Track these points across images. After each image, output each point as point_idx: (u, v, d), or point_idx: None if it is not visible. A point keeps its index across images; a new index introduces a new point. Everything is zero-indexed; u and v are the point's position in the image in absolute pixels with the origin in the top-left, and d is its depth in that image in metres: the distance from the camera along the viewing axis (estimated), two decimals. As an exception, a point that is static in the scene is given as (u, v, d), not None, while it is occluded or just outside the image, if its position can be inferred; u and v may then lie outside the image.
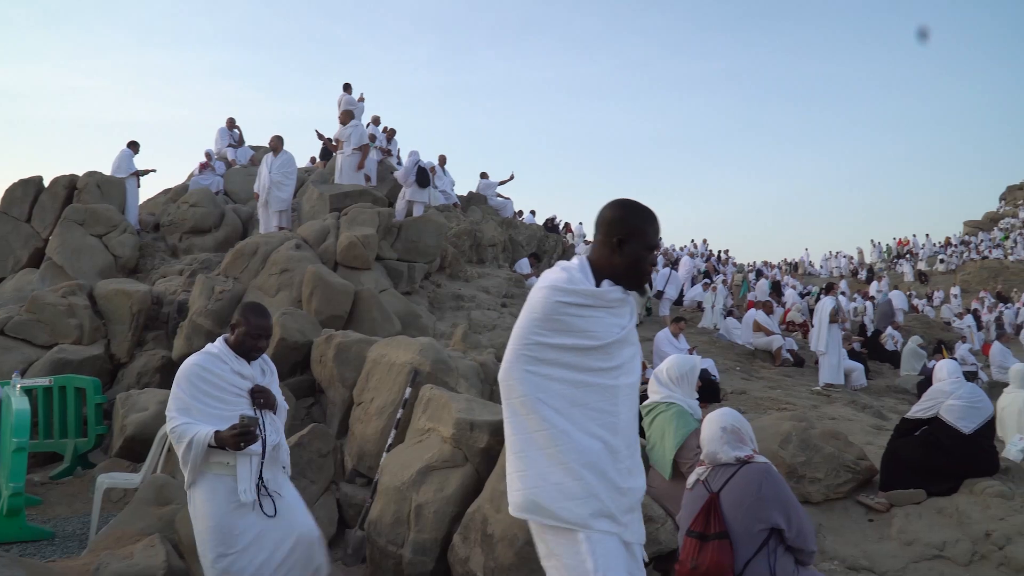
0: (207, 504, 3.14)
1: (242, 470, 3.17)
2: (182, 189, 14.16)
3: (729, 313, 16.02)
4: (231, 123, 16.85)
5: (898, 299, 22.58)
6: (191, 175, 15.27)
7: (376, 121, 16.53)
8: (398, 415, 5.33)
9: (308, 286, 8.25)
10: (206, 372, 3.24)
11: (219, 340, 3.42)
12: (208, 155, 15.35)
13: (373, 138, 14.65)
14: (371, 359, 6.18)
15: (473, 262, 13.18)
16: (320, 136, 14.38)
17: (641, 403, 4.33)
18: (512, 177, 18.17)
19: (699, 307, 17.34)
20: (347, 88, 15.64)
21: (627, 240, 2.20)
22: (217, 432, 3.07)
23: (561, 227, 27.65)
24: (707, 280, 19.18)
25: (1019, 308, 26.39)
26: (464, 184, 21.77)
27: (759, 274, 30.61)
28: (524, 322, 2.19)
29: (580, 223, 29.49)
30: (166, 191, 15.02)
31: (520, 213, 21.08)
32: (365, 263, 9.57)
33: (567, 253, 18.16)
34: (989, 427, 5.30)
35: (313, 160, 17.69)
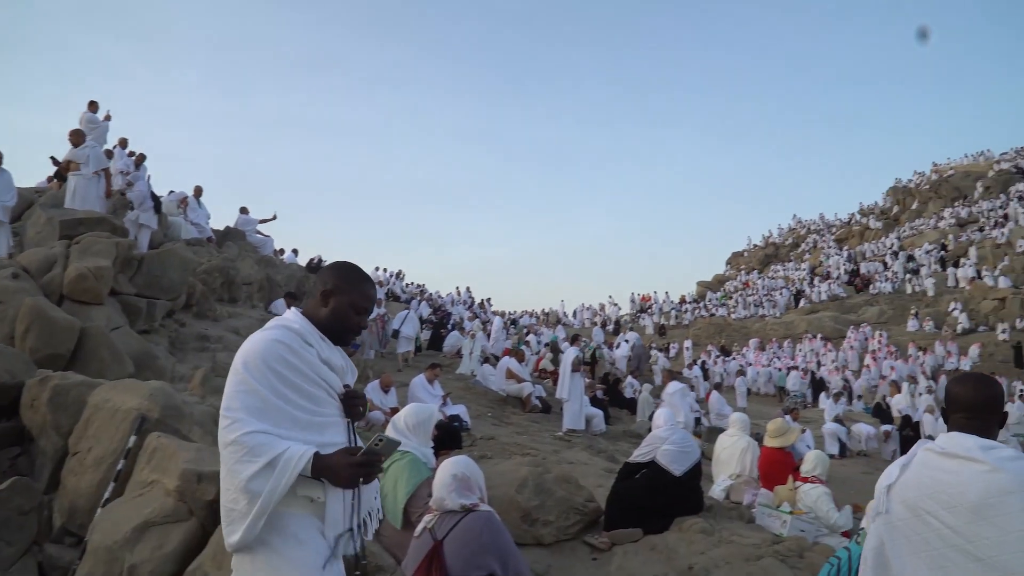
0: (291, 566, 2.07)
1: (334, 507, 2.15)
2: None
3: (486, 360, 16.53)
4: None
5: (623, 350, 24.47)
6: None
7: (123, 144, 15.33)
8: (119, 466, 4.89)
9: (24, 321, 7.38)
10: (292, 355, 2.14)
11: (292, 311, 2.34)
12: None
13: (109, 154, 13.55)
14: (92, 404, 5.64)
15: (224, 301, 12.53)
16: (55, 162, 13.12)
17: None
18: (275, 217, 17.67)
19: (458, 353, 17.72)
20: (92, 106, 14.38)
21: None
22: (318, 454, 2.06)
23: (325, 268, 27.15)
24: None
25: (735, 360, 29.64)
26: (222, 218, 20.75)
27: (513, 322, 31.90)
28: None
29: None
30: None
31: (281, 251, 20.45)
32: (96, 297, 8.75)
33: (328, 295, 17.83)
34: (697, 469, 5.92)
35: (50, 180, 16.01)
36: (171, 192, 15.90)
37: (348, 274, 2.35)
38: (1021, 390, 24.78)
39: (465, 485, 3.19)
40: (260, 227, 17.36)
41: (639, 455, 5.83)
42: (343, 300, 2.29)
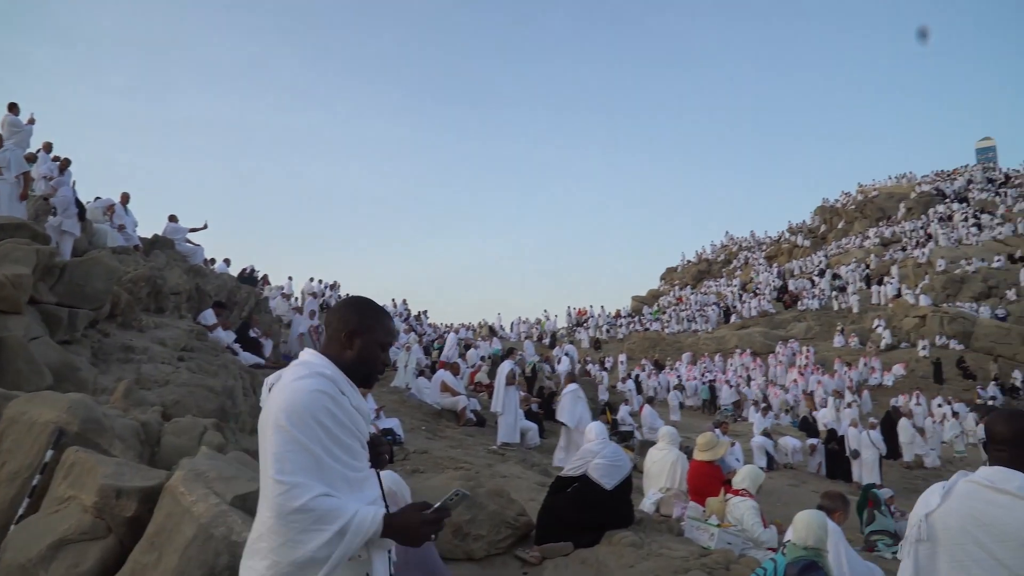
0: None
1: (379, 565, 2.03)
2: None
3: (421, 373, 16.45)
4: None
5: (565, 364, 24.65)
6: None
7: (47, 148, 14.82)
8: (34, 481, 4.71)
9: (-66, 330, 7.06)
10: (335, 406, 2.00)
11: (312, 354, 2.17)
12: None
13: (32, 158, 13.10)
14: (7, 417, 5.41)
15: (151, 311, 12.16)
16: None
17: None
18: (206, 226, 17.26)
19: (392, 366, 17.59)
20: (12, 108, 13.85)
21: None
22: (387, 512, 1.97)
23: (259, 279, 26.66)
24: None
25: (668, 375, 30.12)
26: (151, 226, 20.21)
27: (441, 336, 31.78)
28: None
29: (290, 278, 28.69)
30: None
31: (212, 261, 20.00)
32: (14, 306, 8.40)
33: (260, 306, 17.49)
34: (628, 483, 5.99)
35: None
36: (97, 198, 15.42)
37: (369, 310, 2.26)
38: (947, 407, 25.82)
39: (392, 500, 3.16)
40: (190, 236, 16.93)
41: (571, 469, 5.88)
42: (369, 339, 2.19)
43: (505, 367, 12.29)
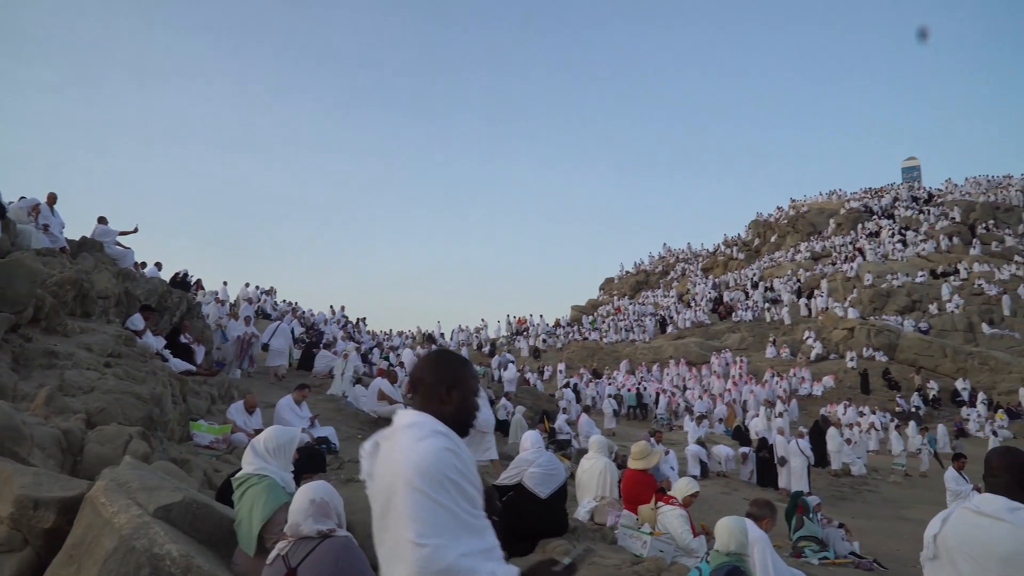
0: None
1: None
2: None
3: (358, 381, 16.27)
4: None
5: (512, 371, 24.78)
6: None
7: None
8: (-55, 493, 4.51)
9: None
10: (460, 463, 2.04)
11: (419, 414, 2.18)
12: None
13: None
14: (-83, 425, 5.18)
15: (77, 315, 11.76)
16: None
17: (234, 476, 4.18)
18: (136, 229, 16.79)
19: (330, 374, 17.35)
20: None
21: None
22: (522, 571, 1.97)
23: (193, 283, 26.04)
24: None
25: (606, 383, 30.41)
26: (79, 228, 19.56)
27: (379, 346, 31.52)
28: None
29: (225, 283, 28.05)
30: None
31: (142, 265, 19.44)
32: (-71, 309, 8.06)
33: (192, 311, 17.06)
34: (562, 491, 6.03)
35: None
36: (22, 198, 14.83)
37: (459, 362, 2.32)
38: (874, 416, 26.65)
39: (323, 511, 3.13)
40: (120, 239, 16.43)
41: (506, 478, 5.89)
42: (464, 389, 2.24)
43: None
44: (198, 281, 26.95)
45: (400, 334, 39.76)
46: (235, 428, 9.67)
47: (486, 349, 41.45)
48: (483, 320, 48.12)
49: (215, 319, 21.51)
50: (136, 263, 17.63)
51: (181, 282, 23.34)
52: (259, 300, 29.14)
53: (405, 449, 2.02)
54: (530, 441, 6.04)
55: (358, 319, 37.45)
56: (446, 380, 2.22)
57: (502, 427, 17.00)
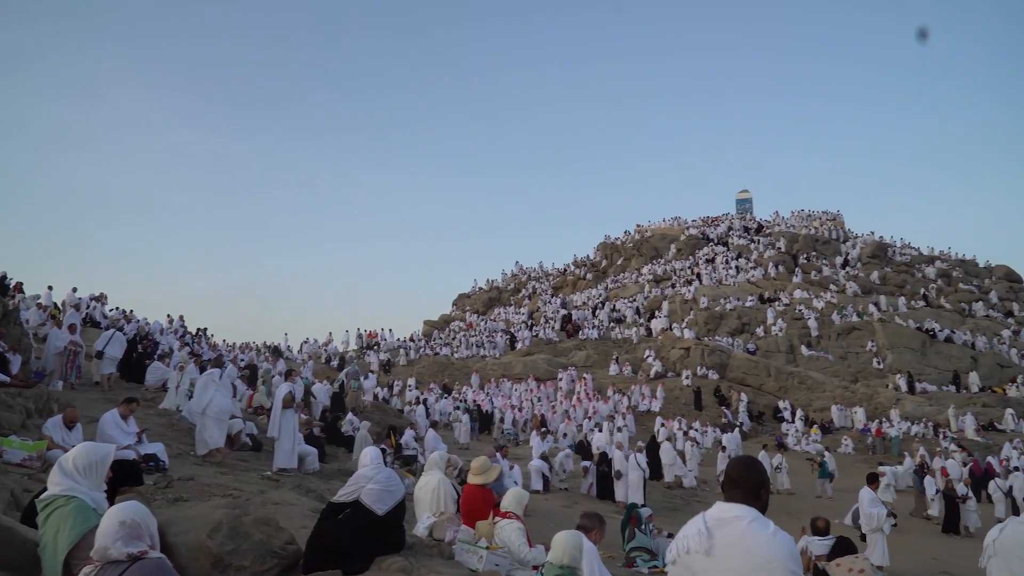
0: None
1: None
2: None
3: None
4: None
5: (372, 381, 24.42)
6: None
7: None
8: None
9: None
10: None
11: (751, 510, 2.74)
12: None
13: None
14: None
15: None
16: None
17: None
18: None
19: (163, 387, 16.42)
20: None
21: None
22: None
23: (11, 286, 24.01)
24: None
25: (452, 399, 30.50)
26: None
27: (218, 361, 30.21)
28: None
29: (49, 287, 25.85)
30: None
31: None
32: None
33: (8, 317, 15.68)
34: (400, 508, 5.97)
35: None
36: None
37: (764, 468, 2.93)
38: (706, 430, 28.10)
39: (134, 532, 2.96)
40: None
41: (343, 495, 5.76)
42: (768, 490, 2.84)
43: (283, 389, 11.86)
44: (18, 284, 24.89)
45: (245, 347, 38.15)
46: (52, 444, 8.93)
47: (334, 363, 40.54)
48: (330, 333, 47.07)
49: (35, 326, 19.92)
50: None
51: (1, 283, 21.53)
52: (88, 307, 27.17)
53: (766, 539, 2.58)
54: (369, 457, 5.96)
55: (199, 330, 35.68)
56: (763, 483, 2.78)
57: (347, 443, 16.68)
